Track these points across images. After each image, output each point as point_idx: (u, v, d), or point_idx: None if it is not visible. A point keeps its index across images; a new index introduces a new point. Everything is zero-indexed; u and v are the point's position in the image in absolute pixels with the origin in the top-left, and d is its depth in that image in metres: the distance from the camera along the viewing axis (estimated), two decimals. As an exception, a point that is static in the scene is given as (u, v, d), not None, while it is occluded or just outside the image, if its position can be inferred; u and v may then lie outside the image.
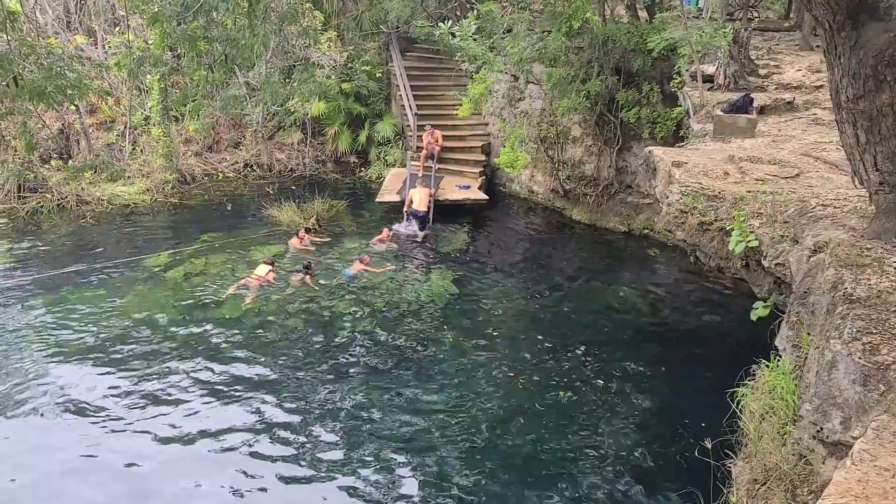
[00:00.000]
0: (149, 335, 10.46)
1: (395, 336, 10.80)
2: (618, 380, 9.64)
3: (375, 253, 13.93)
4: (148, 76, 15.81)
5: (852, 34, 4.92)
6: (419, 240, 15.16)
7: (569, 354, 10.35)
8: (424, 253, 14.40)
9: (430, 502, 7.30)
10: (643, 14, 15.70)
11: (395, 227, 15.31)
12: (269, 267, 12.52)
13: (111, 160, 17.08)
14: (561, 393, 9.20)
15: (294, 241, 14.07)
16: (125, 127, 18.32)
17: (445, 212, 16.00)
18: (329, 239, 14.75)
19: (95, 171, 16.21)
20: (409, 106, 18.22)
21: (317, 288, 12.41)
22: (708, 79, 12.55)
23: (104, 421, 8.31)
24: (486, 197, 16.81)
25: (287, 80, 17.99)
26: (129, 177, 17.01)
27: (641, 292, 12.58)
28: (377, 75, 20.00)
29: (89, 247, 14.10)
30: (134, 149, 18.04)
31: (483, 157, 18.38)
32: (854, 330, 4.15)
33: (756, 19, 17.31)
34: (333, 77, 18.86)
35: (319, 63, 18.43)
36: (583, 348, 10.53)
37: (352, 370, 9.85)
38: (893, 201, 5.23)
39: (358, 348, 10.46)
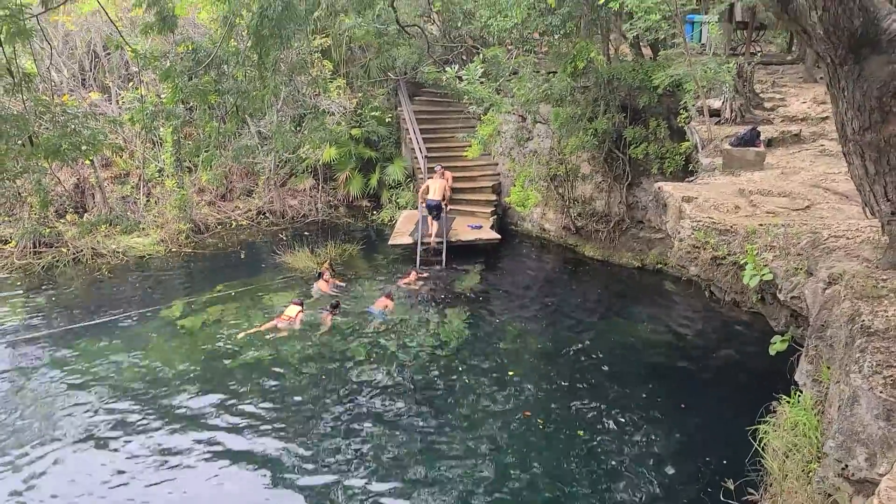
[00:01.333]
0: (165, 386, 10.42)
1: (412, 377, 10.77)
2: (637, 417, 9.52)
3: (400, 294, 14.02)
4: (161, 129, 16.08)
5: (855, 68, 4.96)
6: (441, 268, 15.47)
7: (586, 392, 10.26)
8: (439, 293, 14.36)
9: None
10: (647, 51, 15.88)
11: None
12: (299, 307, 12.64)
13: (125, 213, 17.27)
14: (579, 433, 9.10)
15: (321, 285, 14.12)
16: (139, 179, 18.58)
17: (458, 252, 16.04)
18: (344, 284, 14.79)
19: (110, 225, 16.38)
20: (419, 149, 18.37)
21: (342, 326, 12.63)
22: (714, 113, 12.60)
23: (120, 472, 8.30)
24: (499, 236, 16.85)
25: (298, 128, 18.26)
26: (143, 228, 17.18)
27: (658, 328, 12.49)
28: (386, 120, 20.29)
29: (105, 299, 14.15)
30: (148, 200, 18.26)
31: (494, 197, 18.47)
32: (874, 363, 4.13)
33: (759, 53, 17.45)
34: (343, 123, 19.12)
35: (329, 110, 18.69)
36: (600, 386, 10.44)
37: (371, 412, 9.78)
38: (906, 235, 5.22)
39: (376, 390, 10.40)
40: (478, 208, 18.03)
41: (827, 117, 11.43)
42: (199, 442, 9.03)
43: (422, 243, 15.87)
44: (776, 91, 14.36)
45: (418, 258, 15.64)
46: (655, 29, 12.61)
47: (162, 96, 11.05)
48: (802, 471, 4.60)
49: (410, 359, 11.40)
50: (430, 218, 16.12)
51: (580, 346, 11.90)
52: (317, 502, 7.81)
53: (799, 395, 5.44)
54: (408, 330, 12.46)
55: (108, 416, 9.61)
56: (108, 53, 19.41)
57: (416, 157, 18.79)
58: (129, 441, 9.00)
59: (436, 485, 8.17)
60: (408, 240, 16.41)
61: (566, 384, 10.54)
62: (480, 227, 16.96)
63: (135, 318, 12.98)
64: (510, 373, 10.96)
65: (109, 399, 10.09)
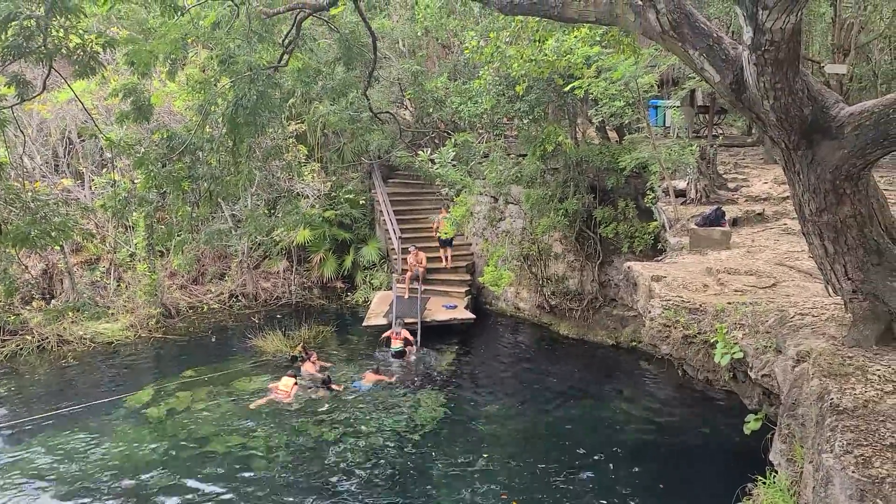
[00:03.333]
0: (132, 476, 10.17)
1: (388, 461, 10.59)
2: (617, 499, 9.43)
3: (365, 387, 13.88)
4: (133, 214, 16.07)
5: (808, 153, 5.17)
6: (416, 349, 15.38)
7: (564, 473, 10.14)
8: (415, 375, 14.23)
9: None
10: (613, 135, 16.33)
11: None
12: (293, 380, 13.08)
13: (94, 299, 17.00)
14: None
15: (308, 367, 14.03)
16: (110, 263, 18.42)
17: (433, 333, 15.98)
18: (329, 364, 14.67)
19: (78, 311, 16.15)
20: (393, 230, 18.55)
21: (317, 405, 12.88)
22: (680, 193, 12.92)
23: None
24: (473, 316, 16.85)
25: (272, 211, 18.33)
26: (112, 313, 16.94)
27: (634, 407, 12.48)
28: (360, 202, 20.46)
29: (70, 388, 13.86)
30: (119, 285, 18.06)
31: (468, 277, 18.56)
32: (845, 442, 4.13)
33: (721, 136, 17.98)
34: (317, 206, 19.23)
35: (304, 193, 18.86)
36: (578, 467, 10.33)
37: (344, 499, 9.59)
38: (869, 309, 5.33)
39: (350, 476, 10.22)
40: (452, 288, 18.07)
41: (788, 197, 11.74)
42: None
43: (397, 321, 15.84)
44: (739, 172, 14.76)
45: (391, 340, 15.55)
46: (620, 114, 13.05)
47: (135, 182, 11.09)
48: (782, 554, 4.54)
49: (384, 442, 11.23)
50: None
51: (557, 427, 11.82)
52: None
53: (774, 476, 5.42)
54: (384, 412, 12.29)
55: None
56: (83, 140, 19.52)
57: (390, 238, 18.90)
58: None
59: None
60: (382, 321, 16.32)
61: (542, 466, 10.41)
62: (455, 306, 16.98)
63: (101, 408, 12.66)
64: (485, 455, 10.84)
65: (71, 494, 9.78)
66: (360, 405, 12.62)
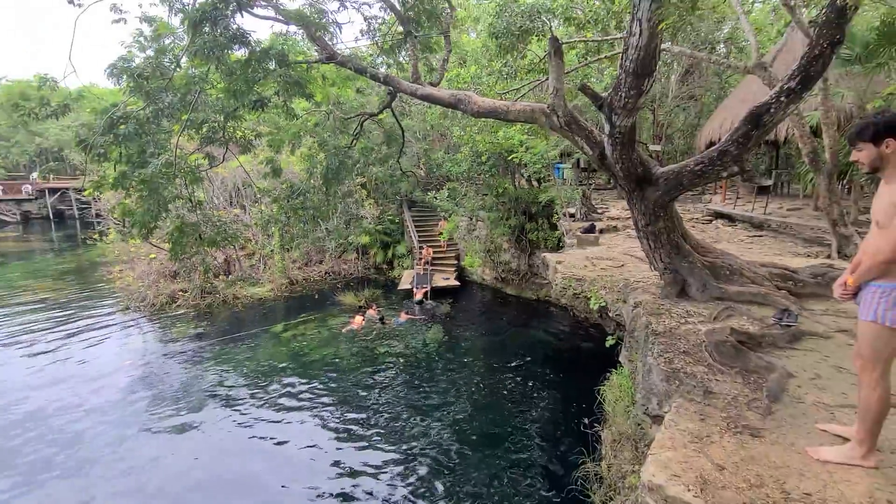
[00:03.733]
0: (269, 373, 10.23)
1: (412, 364, 10.65)
2: (537, 383, 9.50)
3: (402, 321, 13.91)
4: (272, 228, 16.07)
5: (640, 193, 5.22)
6: (427, 302, 15.26)
7: (509, 370, 10.20)
8: (427, 317, 14.26)
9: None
10: (535, 184, 16.38)
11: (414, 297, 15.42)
12: (362, 317, 13.16)
13: (251, 275, 17.02)
14: (504, 392, 9.05)
15: (371, 312, 13.93)
16: (260, 256, 18.40)
17: (436, 293, 15.99)
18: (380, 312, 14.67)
19: (243, 281, 16.15)
20: (413, 236, 18.50)
21: (390, 326, 13.14)
22: (571, 215, 13.00)
23: (243, 415, 8.08)
24: (459, 283, 16.81)
25: (348, 226, 18.30)
26: (262, 283, 16.94)
27: (548, 333, 12.54)
28: (396, 220, 20.39)
29: (239, 323, 13.86)
30: (265, 267, 18.03)
31: (456, 262, 18.47)
32: (658, 350, 4.17)
33: (593, 183, 18.09)
34: (372, 223, 19.23)
35: (364, 216, 18.85)
36: (515, 366, 10.41)
37: (387, 385, 9.67)
38: (672, 278, 5.40)
39: (391, 371, 10.29)
40: (447, 268, 17.98)
41: (630, 217, 11.76)
42: (288, 400, 8.86)
43: (417, 286, 15.87)
44: (603, 203, 14.85)
45: (414, 295, 15.61)
46: (538, 172, 13.09)
47: (273, 211, 11.07)
48: (625, 411, 4.55)
49: (410, 353, 11.30)
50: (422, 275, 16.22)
51: (506, 344, 11.89)
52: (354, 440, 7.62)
53: (621, 369, 5.49)
54: (410, 337, 12.35)
55: (233, 392, 9.39)
56: (246, 187, 19.43)
57: (412, 240, 18.91)
58: (251, 403, 8.82)
59: (425, 420, 8.06)
60: (408, 286, 16.32)
61: (497, 365, 10.49)
62: (449, 278, 16.95)
63: (256, 335, 12.72)
64: (466, 359, 10.91)
65: (240, 380, 9.86)
66: (398, 333, 12.63)
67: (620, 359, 5.70)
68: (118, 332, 12.90)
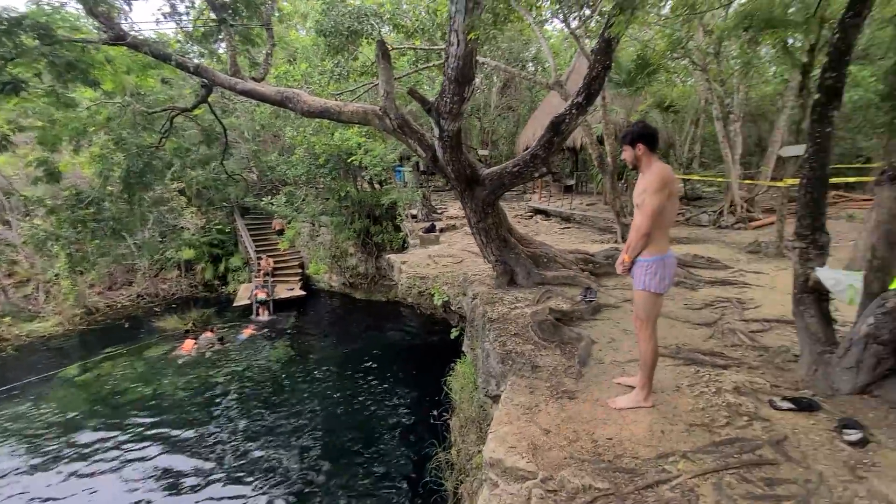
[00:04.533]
0: (65, 427, 8.17)
1: (257, 384, 9.67)
2: (392, 384, 9.56)
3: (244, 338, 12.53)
4: (55, 247, 12.83)
5: (470, 193, 5.61)
6: (264, 319, 13.98)
7: (363, 372, 10.08)
8: (272, 332, 13.14)
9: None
10: (377, 186, 16.46)
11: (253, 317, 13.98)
12: (193, 341, 11.61)
13: (23, 308, 13.32)
14: (361, 399, 8.88)
15: (208, 334, 12.21)
16: (38, 282, 14.50)
17: (280, 305, 14.85)
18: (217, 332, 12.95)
19: (13, 317, 12.53)
20: (250, 245, 16.86)
21: (228, 347, 11.75)
22: (413, 216, 13.42)
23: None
24: (304, 293, 15.89)
25: (163, 240, 15.69)
26: (43, 316, 13.40)
27: (399, 333, 12.73)
28: (227, 230, 18.24)
29: (9, 371, 10.73)
30: (47, 296, 14.29)
31: (300, 270, 17.42)
32: (494, 335, 4.50)
33: (432, 185, 18.97)
34: (196, 234, 16.86)
35: (186, 227, 16.42)
36: (370, 366, 10.33)
37: (235, 410, 8.60)
38: (502, 269, 5.94)
39: (232, 393, 9.17)
40: (290, 278, 16.85)
41: (465, 216, 12.66)
42: (99, 459, 7.19)
43: (256, 302, 14.48)
44: (443, 203, 15.68)
45: (254, 311, 14.22)
46: (379, 175, 13.16)
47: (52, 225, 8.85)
48: (469, 396, 4.82)
49: (254, 372, 10.28)
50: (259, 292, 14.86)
51: (358, 350, 11.67)
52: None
53: (465, 358, 5.82)
54: (254, 354, 11.22)
55: (20, 456, 7.25)
56: (8, 197, 15.07)
57: (248, 251, 17.20)
58: (35, 474, 6.88)
59: (276, 434, 7.41)
60: (246, 301, 14.81)
61: (351, 373, 10.24)
62: (293, 288, 15.91)
63: (36, 383, 9.99)
64: (318, 372, 10.38)
65: (21, 446, 7.62)
66: (240, 353, 11.39)
67: (463, 348, 6.04)
68: None
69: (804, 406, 3.01)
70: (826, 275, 3.26)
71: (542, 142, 5.16)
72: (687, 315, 4.94)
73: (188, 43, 7.79)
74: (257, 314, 14.12)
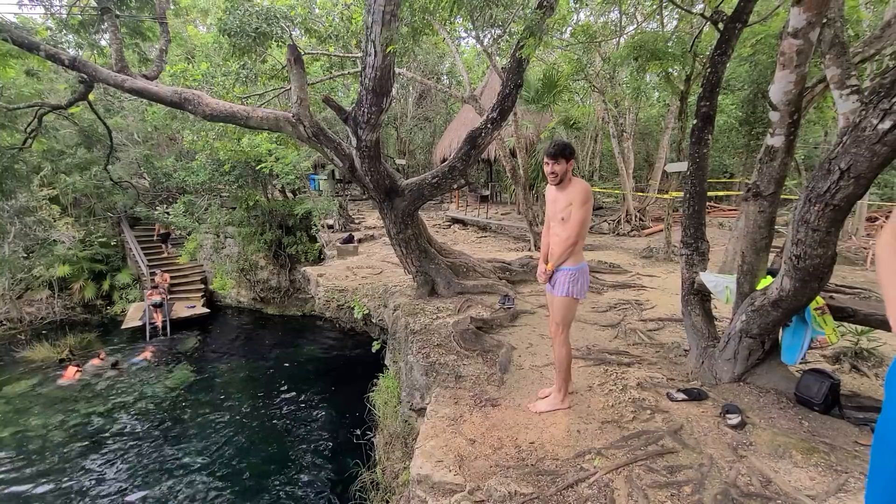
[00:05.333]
0: None
1: (154, 417, 8.61)
2: (311, 403, 9.09)
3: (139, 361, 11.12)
4: None
5: (389, 203, 5.57)
6: (167, 337, 12.65)
7: (279, 394, 9.45)
8: (170, 355, 11.80)
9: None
10: (290, 195, 15.73)
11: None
12: (76, 368, 10.20)
13: None
14: (277, 423, 8.31)
15: (96, 361, 10.74)
16: None
17: (180, 325, 13.45)
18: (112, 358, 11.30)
19: None
20: (141, 260, 15.09)
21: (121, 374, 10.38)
22: (330, 227, 13.01)
23: None
24: (208, 310, 14.54)
25: (28, 255, 13.48)
26: None
27: (317, 348, 12.14)
28: (112, 243, 16.14)
29: None
30: None
31: (203, 286, 15.94)
32: (417, 347, 4.50)
33: (350, 194, 18.62)
34: (73, 248, 14.70)
35: (59, 240, 14.24)
36: (286, 386, 9.74)
37: (127, 449, 7.52)
38: (423, 279, 5.97)
39: (122, 436, 8.05)
40: (191, 294, 15.36)
41: (384, 226, 12.58)
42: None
43: (149, 324, 12.97)
44: (360, 213, 15.43)
45: (147, 334, 12.72)
46: (292, 183, 12.57)
47: None
48: (393, 411, 4.74)
49: (152, 406, 9.12)
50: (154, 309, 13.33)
51: (272, 368, 10.94)
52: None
53: (388, 371, 5.73)
54: (144, 387, 9.96)
55: None
56: None
57: (139, 266, 15.37)
58: None
59: (182, 471, 6.63)
60: (138, 322, 13.21)
61: (264, 393, 9.55)
62: (194, 306, 14.50)
63: None
64: (226, 397, 9.53)
65: None
66: (134, 379, 10.10)
67: (386, 361, 5.95)
68: None
69: (695, 396, 3.38)
70: (707, 278, 3.71)
71: (460, 154, 5.28)
72: (595, 318, 5.33)
73: (62, 32, 6.82)
74: (152, 320, 12.68)
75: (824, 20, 3.22)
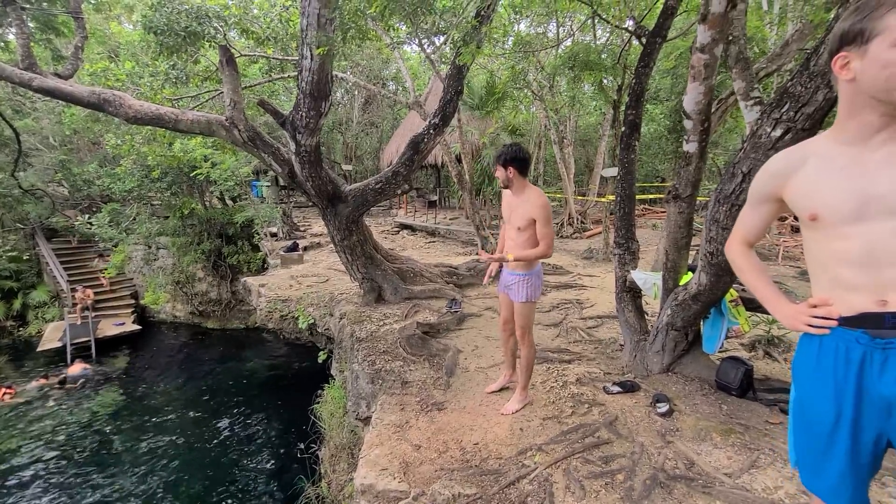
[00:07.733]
0: None
1: (74, 448, 7.86)
2: (255, 419, 8.71)
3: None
4: None
5: (333, 210, 5.48)
6: (93, 359, 11.56)
7: (220, 413, 8.97)
8: (96, 377, 10.84)
9: None
10: (230, 202, 15.04)
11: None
12: (5, 390, 9.61)
13: None
14: (218, 443, 7.86)
15: (36, 383, 10.19)
16: None
17: (107, 345, 12.43)
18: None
19: None
20: (60, 275, 13.80)
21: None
22: (273, 235, 12.56)
23: None
24: (139, 327, 13.56)
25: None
26: None
27: (261, 361, 11.65)
28: (24, 258, 14.64)
29: None
30: None
31: (133, 301, 14.83)
32: (363, 355, 4.45)
33: (294, 200, 18.05)
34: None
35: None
36: (228, 403, 9.28)
37: (42, 486, 6.80)
38: (369, 286, 5.91)
39: (50, 455, 7.29)
40: (120, 310, 14.24)
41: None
42: None
43: (71, 344, 11.87)
44: (306, 220, 15.02)
45: (69, 356, 11.62)
46: (231, 190, 12.03)
47: None
48: (339, 422, 4.64)
49: (72, 436, 8.33)
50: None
51: (212, 386, 10.36)
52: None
53: (333, 381, 5.61)
54: (63, 414, 9.10)
55: None
56: None
57: (58, 282, 14.06)
58: None
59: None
60: (58, 344, 12.06)
61: (203, 413, 9.03)
62: (123, 323, 13.46)
63: None
64: (160, 419, 8.89)
65: None
66: (60, 404, 9.24)
67: (332, 371, 5.82)
68: None
69: (628, 388, 3.57)
70: (637, 276, 3.94)
71: (403, 159, 5.30)
72: (538, 318, 5.50)
73: (-43, 23, 6.15)
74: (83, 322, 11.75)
75: (729, 38, 3.55)
